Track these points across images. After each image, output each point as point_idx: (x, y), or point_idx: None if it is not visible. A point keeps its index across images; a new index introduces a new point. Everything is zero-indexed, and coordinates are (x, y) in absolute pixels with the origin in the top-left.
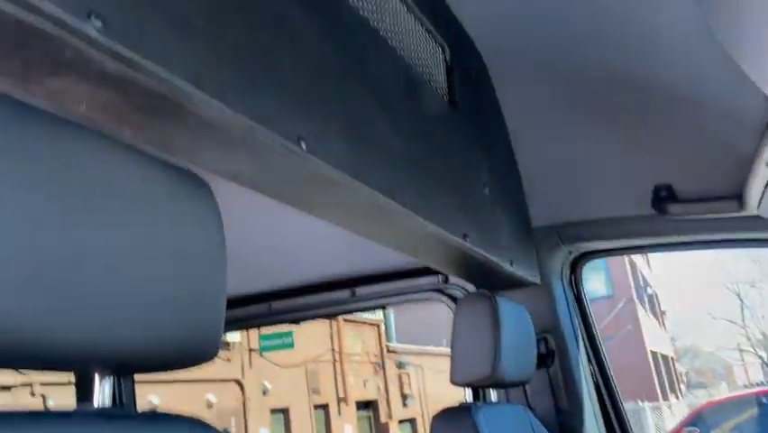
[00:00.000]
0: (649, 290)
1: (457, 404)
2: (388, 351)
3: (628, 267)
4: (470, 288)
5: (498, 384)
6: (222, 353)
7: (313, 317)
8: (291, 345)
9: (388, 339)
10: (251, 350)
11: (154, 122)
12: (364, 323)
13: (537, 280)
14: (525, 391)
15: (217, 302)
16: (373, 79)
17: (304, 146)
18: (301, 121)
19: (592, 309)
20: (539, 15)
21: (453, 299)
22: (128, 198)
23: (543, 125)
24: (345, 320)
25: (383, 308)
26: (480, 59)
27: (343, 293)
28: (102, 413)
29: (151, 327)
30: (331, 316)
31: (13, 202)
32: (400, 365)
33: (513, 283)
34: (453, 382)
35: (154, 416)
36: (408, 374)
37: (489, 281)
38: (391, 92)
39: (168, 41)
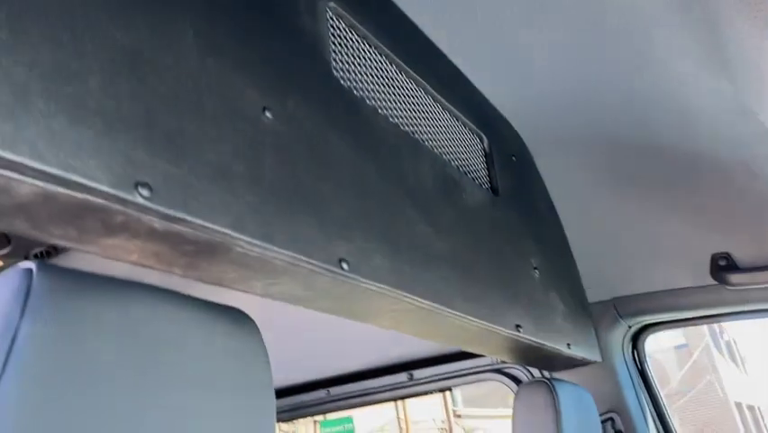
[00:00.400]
0: (726, 337)
1: None
2: (455, 416)
3: None
4: (531, 368)
5: None
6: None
7: (371, 403)
8: (352, 431)
9: (455, 403)
10: (315, 421)
11: (202, 263)
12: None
13: (598, 358)
14: None
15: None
16: (411, 186)
17: (345, 267)
18: (342, 243)
19: (667, 360)
20: (577, 93)
21: (513, 378)
22: (184, 345)
23: (591, 200)
24: None
25: (443, 390)
26: (520, 141)
27: (401, 376)
28: None
29: None
30: (389, 400)
31: (75, 376)
32: (469, 431)
33: (573, 363)
34: None
35: None
36: None
37: (548, 364)
38: (431, 194)
39: (211, 194)
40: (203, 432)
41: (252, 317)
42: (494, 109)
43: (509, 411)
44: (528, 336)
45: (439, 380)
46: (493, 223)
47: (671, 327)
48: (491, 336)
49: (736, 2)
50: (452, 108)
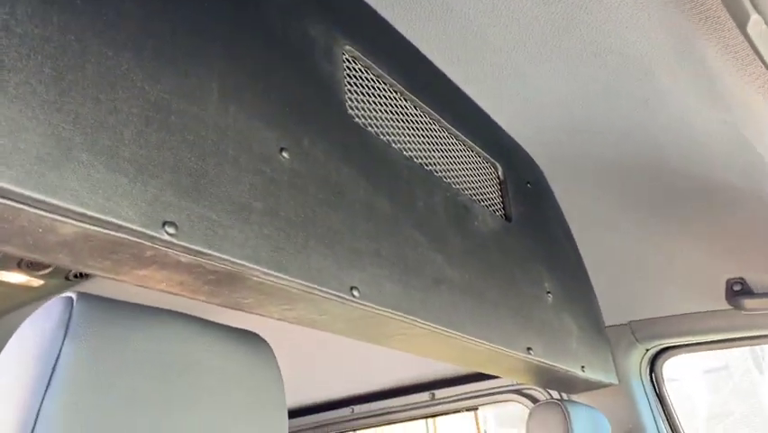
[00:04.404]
0: None
1: None
2: None
3: None
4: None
5: None
6: None
7: (394, 421)
8: None
9: (486, 423)
10: None
11: (223, 290)
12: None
13: (614, 380)
14: None
15: None
16: (423, 215)
17: (356, 294)
18: (354, 271)
19: (706, 383)
20: (590, 121)
21: (532, 399)
22: (204, 366)
23: (608, 226)
24: None
25: (468, 410)
26: (536, 168)
27: (423, 396)
28: None
29: None
30: (412, 419)
31: (110, 394)
32: None
33: (588, 386)
34: None
35: None
36: None
37: (564, 386)
38: (442, 222)
39: (230, 229)
40: None
41: (278, 337)
42: (509, 138)
43: None
44: (539, 359)
45: (460, 399)
46: (505, 249)
47: (688, 351)
48: (504, 358)
49: (725, 55)
50: (466, 139)
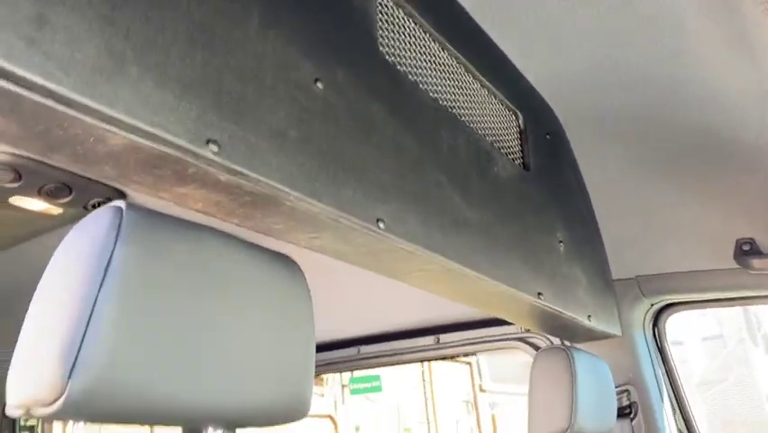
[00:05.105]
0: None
1: None
2: (481, 390)
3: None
4: (552, 338)
5: None
6: (316, 388)
7: (398, 363)
8: (379, 389)
9: (481, 378)
10: (343, 386)
11: (256, 213)
12: (456, 361)
13: (618, 332)
14: None
15: (308, 367)
16: (446, 157)
17: (381, 226)
18: (379, 204)
19: (703, 349)
20: (611, 73)
21: (536, 347)
22: (242, 282)
23: (621, 180)
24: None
25: (466, 355)
26: (554, 119)
27: (428, 340)
28: None
29: (255, 390)
30: (416, 361)
31: (156, 294)
32: (493, 405)
33: (593, 336)
34: None
35: None
36: (501, 415)
37: (568, 334)
38: (464, 165)
39: (267, 153)
40: (254, 350)
41: None
42: (531, 88)
43: None
44: (549, 304)
45: (464, 345)
46: (522, 196)
47: (692, 308)
48: (514, 302)
49: (760, 6)
50: (490, 86)
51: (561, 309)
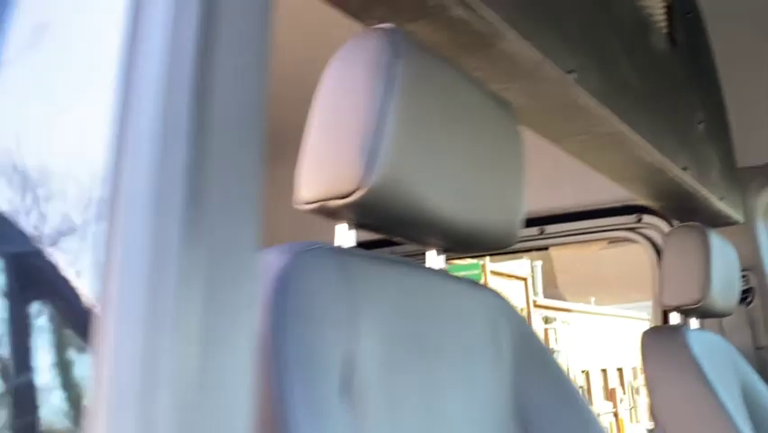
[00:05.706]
0: None
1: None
2: (535, 306)
3: None
4: (665, 227)
5: (704, 313)
6: None
7: (500, 253)
8: (479, 277)
9: (535, 294)
10: None
11: (468, 56)
12: (511, 276)
13: (741, 218)
14: (720, 325)
15: (519, 201)
16: (616, 22)
17: (574, 77)
18: (572, 57)
19: None
20: None
21: (647, 238)
22: (470, 115)
23: (757, 66)
24: (493, 273)
25: (573, 243)
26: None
27: (532, 231)
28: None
29: (475, 220)
30: (519, 251)
31: (426, 113)
32: (547, 320)
33: (717, 221)
34: (663, 303)
35: (467, 281)
36: (555, 330)
37: (694, 217)
38: (628, 32)
39: None
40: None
41: None
42: None
43: (587, 307)
44: (692, 180)
45: (571, 234)
46: (671, 71)
47: None
48: (659, 174)
49: None
50: None
51: (700, 187)
